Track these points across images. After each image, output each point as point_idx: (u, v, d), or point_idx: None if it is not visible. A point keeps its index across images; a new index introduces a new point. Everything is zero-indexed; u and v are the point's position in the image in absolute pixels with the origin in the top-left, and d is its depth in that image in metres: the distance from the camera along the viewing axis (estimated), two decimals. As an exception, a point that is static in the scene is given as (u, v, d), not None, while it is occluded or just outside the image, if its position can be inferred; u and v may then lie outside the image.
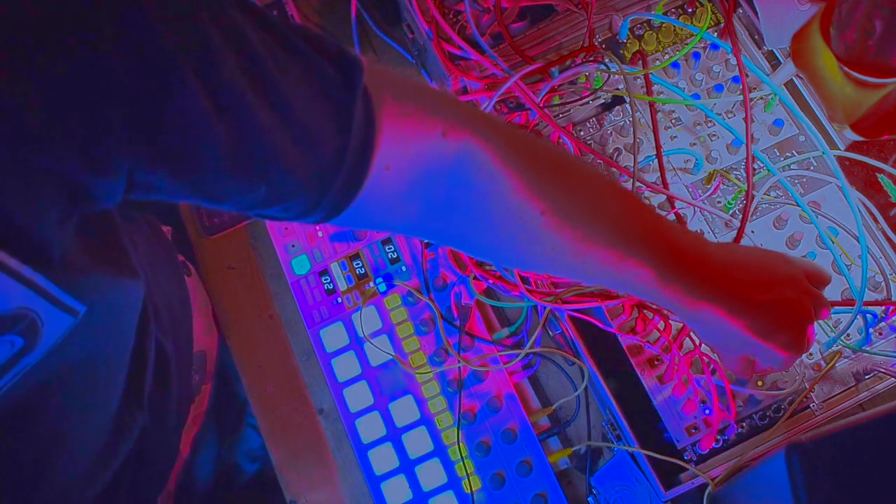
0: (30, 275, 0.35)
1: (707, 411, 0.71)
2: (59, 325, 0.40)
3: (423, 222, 0.51)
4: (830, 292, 0.74)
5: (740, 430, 0.72)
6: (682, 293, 0.55)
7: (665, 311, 0.72)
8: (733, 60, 0.79)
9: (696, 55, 0.81)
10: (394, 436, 0.78)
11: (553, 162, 0.53)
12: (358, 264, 0.83)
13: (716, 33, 0.82)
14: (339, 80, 0.43)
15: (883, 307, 0.73)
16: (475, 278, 0.79)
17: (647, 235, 0.54)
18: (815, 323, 0.66)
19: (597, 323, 0.73)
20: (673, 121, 0.81)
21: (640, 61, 0.77)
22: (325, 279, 0.83)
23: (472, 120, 0.48)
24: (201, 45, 0.36)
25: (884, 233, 0.76)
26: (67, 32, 0.32)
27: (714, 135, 0.80)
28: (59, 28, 0.32)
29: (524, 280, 0.74)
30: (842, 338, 0.72)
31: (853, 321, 0.71)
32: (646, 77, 0.77)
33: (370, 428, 0.78)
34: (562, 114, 0.80)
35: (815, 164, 0.79)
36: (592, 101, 0.80)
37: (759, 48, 0.81)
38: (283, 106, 0.40)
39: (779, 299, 0.58)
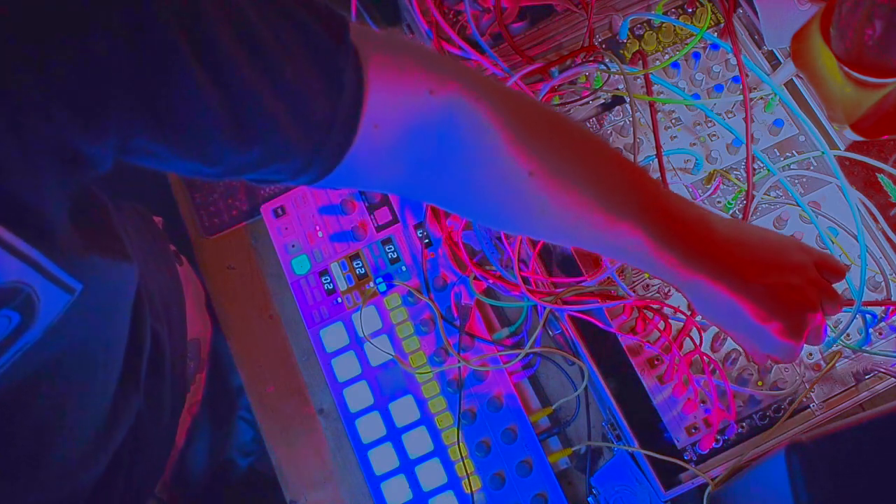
0: (25, 249, 0.36)
1: (707, 411, 0.71)
2: (56, 302, 0.41)
3: (412, 180, 0.51)
4: (830, 292, 0.75)
5: (740, 430, 0.72)
6: (676, 262, 0.54)
7: (665, 312, 0.72)
8: (733, 60, 0.79)
9: (696, 55, 0.81)
10: (394, 436, 0.78)
11: (545, 120, 0.52)
12: (358, 264, 0.83)
13: (716, 33, 0.82)
14: (328, 41, 0.43)
15: (883, 307, 0.74)
16: (475, 278, 0.79)
17: (641, 200, 0.53)
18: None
19: (597, 323, 0.73)
20: (673, 121, 0.81)
21: (640, 61, 0.77)
22: (325, 279, 0.83)
23: (461, 76, 0.48)
24: (195, 16, 0.37)
25: (884, 233, 0.76)
26: (70, 9, 0.33)
27: (714, 135, 0.80)
28: (61, 4, 0.32)
29: (524, 280, 0.74)
30: (842, 338, 0.72)
31: (853, 321, 0.71)
32: (646, 77, 0.77)
33: (370, 428, 0.78)
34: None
35: (815, 164, 0.79)
36: (592, 101, 0.80)
37: (759, 48, 0.81)
38: (275, 70, 0.41)
39: (780, 284, 0.57)
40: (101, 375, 0.55)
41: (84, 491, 0.59)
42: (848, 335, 0.73)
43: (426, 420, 0.78)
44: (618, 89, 0.79)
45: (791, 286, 0.57)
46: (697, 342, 0.72)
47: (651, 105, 0.77)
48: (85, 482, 0.58)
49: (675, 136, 0.80)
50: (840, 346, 0.73)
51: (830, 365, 0.72)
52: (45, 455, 0.50)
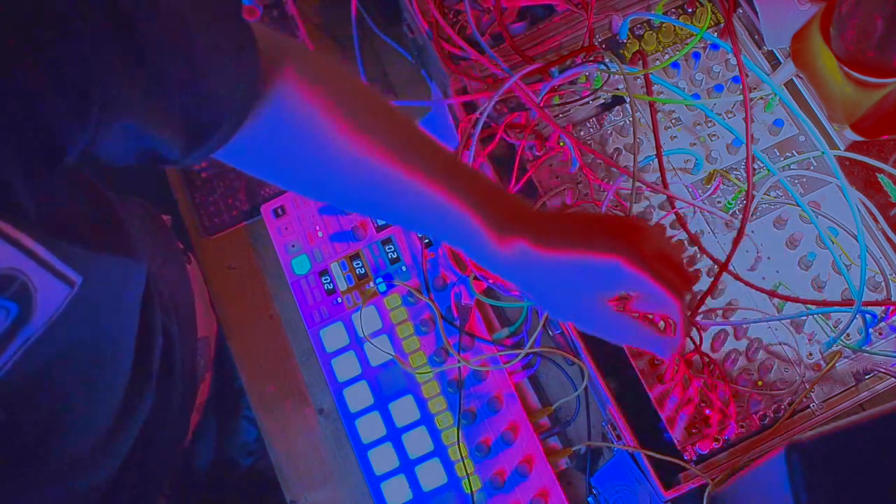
0: (14, 234, 0.36)
1: (707, 411, 0.71)
2: (55, 294, 0.41)
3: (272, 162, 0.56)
4: (831, 293, 0.75)
5: (740, 430, 0.72)
6: (494, 234, 0.54)
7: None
8: (733, 60, 0.79)
9: (696, 55, 0.81)
10: (394, 436, 0.78)
11: (353, 89, 0.57)
12: (358, 264, 0.83)
13: (716, 33, 0.82)
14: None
15: (883, 307, 0.74)
16: (475, 278, 0.79)
17: (446, 161, 0.57)
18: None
19: (597, 323, 0.73)
20: (673, 121, 0.81)
21: (640, 61, 0.77)
22: (325, 279, 0.83)
23: (290, 57, 0.53)
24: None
25: (884, 233, 0.76)
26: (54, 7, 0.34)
27: (714, 135, 0.80)
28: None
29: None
30: (842, 338, 0.72)
31: (853, 321, 0.71)
32: (646, 77, 0.77)
33: (370, 428, 0.78)
34: (562, 114, 0.80)
35: (815, 164, 0.79)
36: (592, 101, 0.80)
37: (759, 48, 0.81)
38: (195, 63, 0.45)
39: (595, 216, 0.60)
40: (109, 371, 0.55)
41: (98, 487, 0.59)
42: (848, 335, 0.73)
43: (426, 420, 0.78)
44: (618, 89, 0.79)
45: (607, 216, 0.62)
46: (697, 342, 0.72)
47: (651, 105, 0.77)
48: (98, 478, 0.58)
49: (675, 136, 0.80)
50: (840, 346, 0.73)
51: (830, 365, 0.72)
52: (51, 447, 0.50)
